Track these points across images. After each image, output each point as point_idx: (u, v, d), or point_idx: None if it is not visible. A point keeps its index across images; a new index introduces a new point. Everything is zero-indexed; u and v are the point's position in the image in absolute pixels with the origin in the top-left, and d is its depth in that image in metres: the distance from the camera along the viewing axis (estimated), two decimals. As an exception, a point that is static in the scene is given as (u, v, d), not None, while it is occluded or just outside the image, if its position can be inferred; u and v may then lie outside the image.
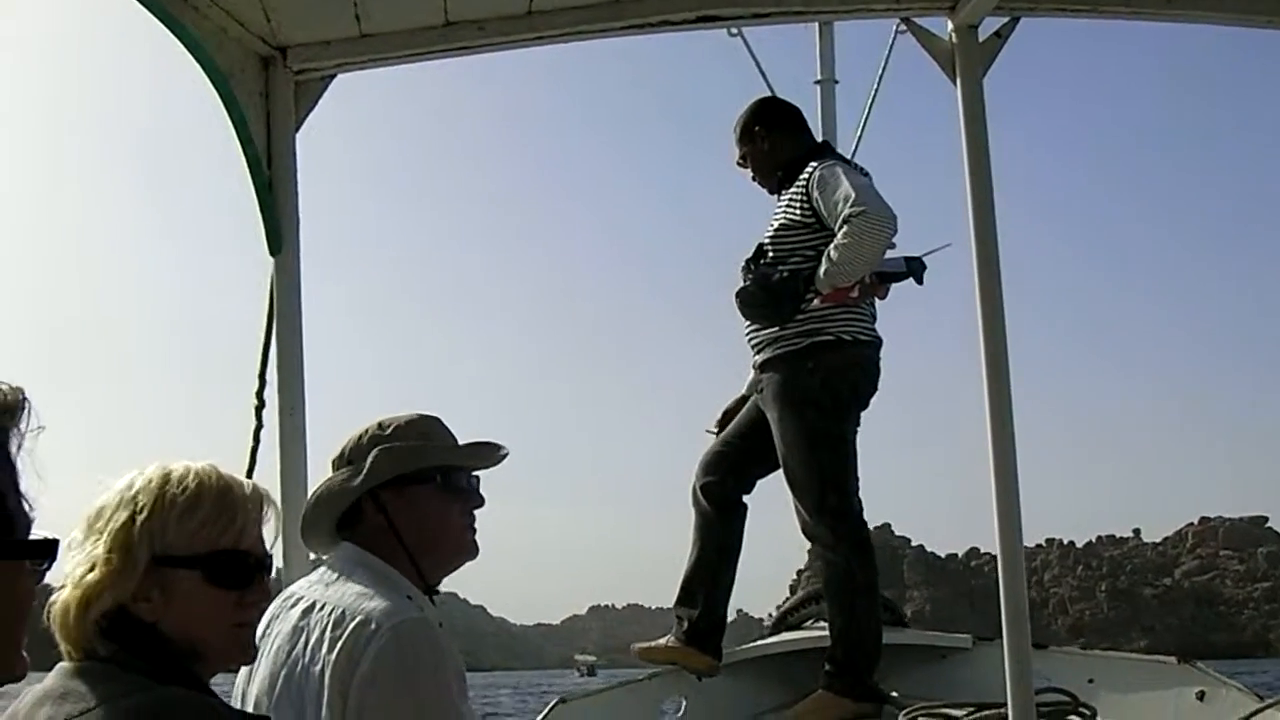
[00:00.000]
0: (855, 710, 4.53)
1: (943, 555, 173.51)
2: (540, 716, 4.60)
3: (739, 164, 5.15)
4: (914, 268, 4.79)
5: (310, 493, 2.75)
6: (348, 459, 2.64)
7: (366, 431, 2.65)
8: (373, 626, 2.31)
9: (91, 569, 1.84)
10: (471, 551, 2.66)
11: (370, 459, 2.57)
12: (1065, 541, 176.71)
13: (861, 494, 4.77)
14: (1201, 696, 4.33)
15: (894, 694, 4.61)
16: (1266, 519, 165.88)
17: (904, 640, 5.08)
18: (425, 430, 2.66)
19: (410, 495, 2.58)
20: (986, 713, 3.79)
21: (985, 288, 3.05)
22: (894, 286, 4.82)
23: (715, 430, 5.23)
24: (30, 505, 1.33)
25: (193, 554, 1.88)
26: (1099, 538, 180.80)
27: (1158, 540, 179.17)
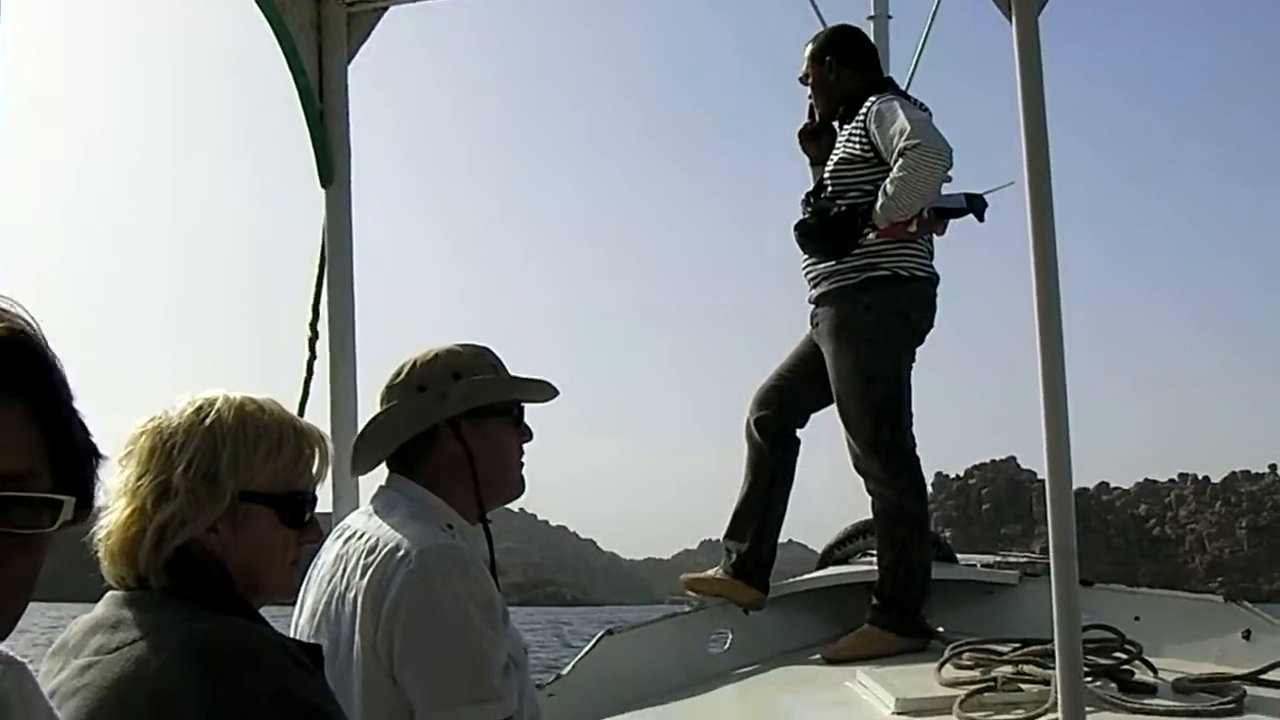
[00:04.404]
0: (901, 645, 4.54)
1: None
2: (588, 648, 4.63)
3: (800, 80, 5.11)
4: (975, 204, 4.71)
5: (364, 420, 2.74)
6: (418, 384, 2.58)
7: (438, 357, 2.60)
8: (400, 554, 2.34)
9: (168, 497, 1.83)
10: (521, 486, 2.69)
11: (457, 386, 2.56)
12: (1200, 476, 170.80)
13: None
14: (1248, 635, 4.31)
15: (940, 629, 4.62)
16: None
17: (951, 576, 5.08)
18: (494, 362, 2.65)
19: (486, 427, 2.59)
20: (1032, 648, 3.79)
21: (1038, 229, 2.99)
22: (960, 222, 4.76)
23: None
24: None
25: (272, 492, 1.90)
26: (1234, 473, 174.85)
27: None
